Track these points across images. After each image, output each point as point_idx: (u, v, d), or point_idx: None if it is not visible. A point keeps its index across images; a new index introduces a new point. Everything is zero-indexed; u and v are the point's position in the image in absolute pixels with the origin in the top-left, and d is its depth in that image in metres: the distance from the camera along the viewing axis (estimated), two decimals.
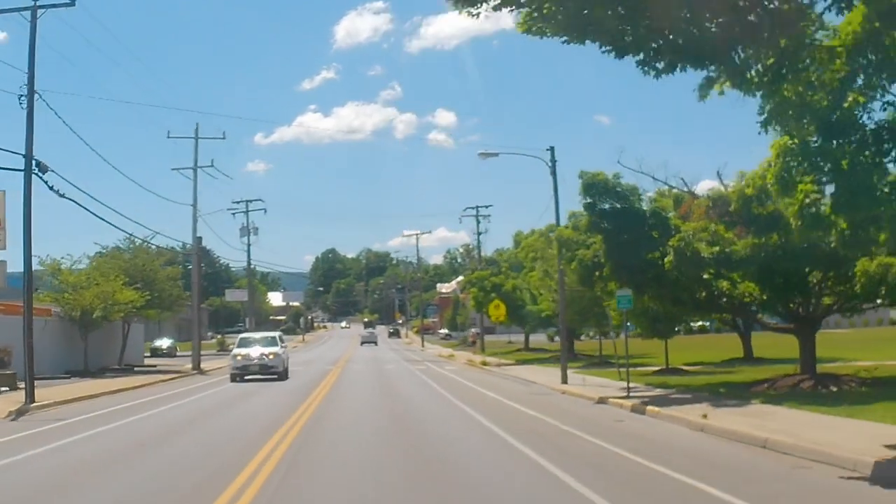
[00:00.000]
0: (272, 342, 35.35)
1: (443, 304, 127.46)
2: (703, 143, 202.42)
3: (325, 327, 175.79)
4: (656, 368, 33.87)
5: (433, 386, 30.53)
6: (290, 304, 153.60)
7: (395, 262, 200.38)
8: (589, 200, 22.47)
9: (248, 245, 70.92)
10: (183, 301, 48.55)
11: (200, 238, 48.21)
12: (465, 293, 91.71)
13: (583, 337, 56.80)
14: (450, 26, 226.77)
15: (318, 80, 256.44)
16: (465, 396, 25.19)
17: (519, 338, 71.75)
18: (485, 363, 45.57)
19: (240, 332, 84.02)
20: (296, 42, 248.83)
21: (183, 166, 47.64)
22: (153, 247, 46.66)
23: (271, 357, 33.51)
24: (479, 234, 68.35)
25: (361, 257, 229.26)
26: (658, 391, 24.56)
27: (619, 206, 22.41)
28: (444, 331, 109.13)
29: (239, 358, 33.71)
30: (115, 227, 39.25)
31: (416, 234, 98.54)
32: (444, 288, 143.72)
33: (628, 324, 37.00)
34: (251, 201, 71.28)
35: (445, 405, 22.31)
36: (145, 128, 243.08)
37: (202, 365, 44.66)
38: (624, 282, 22.61)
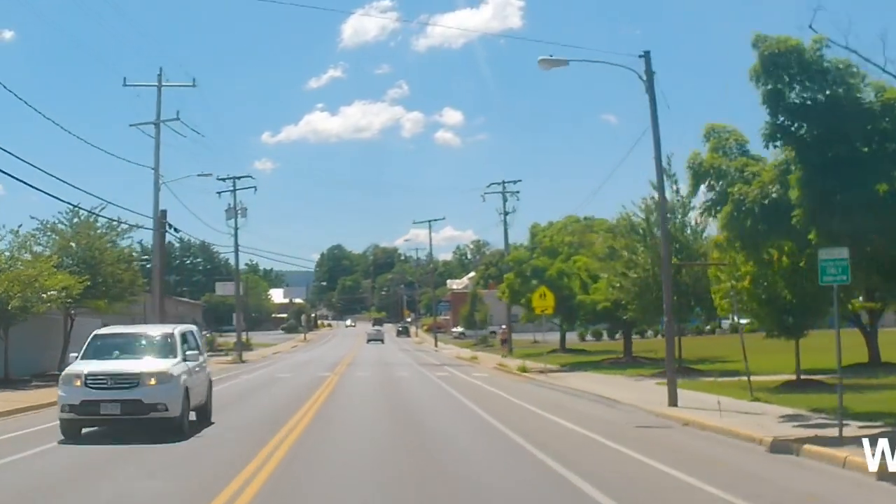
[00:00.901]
0: (161, 348, 16.16)
1: (455, 300, 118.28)
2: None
3: (329, 325, 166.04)
4: (782, 380, 23.97)
5: (479, 413, 19.75)
6: (293, 300, 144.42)
7: (403, 257, 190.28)
8: (770, 87, 12.39)
9: (236, 228, 61.60)
10: (139, 289, 38.48)
11: (165, 211, 38.46)
12: (489, 287, 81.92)
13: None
14: (457, 25, 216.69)
15: (325, 79, 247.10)
16: (537, 434, 14.99)
17: (547, 337, 61.83)
18: (523, 369, 35.54)
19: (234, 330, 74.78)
20: (303, 41, 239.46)
21: (162, 131, 38.53)
22: (104, 220, 36.74)
23: (151, 383, 14.79)
24: (505, 213, 58.13)
25: (368, 253, 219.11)
26: (861, 426, 14.51)
27: (824, 97, 12.38)
28: (459, 329, 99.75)
29: (77, 384, 14.87)
30: (54, 196, 29.45)
31: (429, 222, 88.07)
32: (456, 284, 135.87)
33: (739, 318, 26.92)
34: (239, 178, 61.79)
35: (526, 464, 12.33)
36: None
37: None
38: (834, 234, 12.56)
